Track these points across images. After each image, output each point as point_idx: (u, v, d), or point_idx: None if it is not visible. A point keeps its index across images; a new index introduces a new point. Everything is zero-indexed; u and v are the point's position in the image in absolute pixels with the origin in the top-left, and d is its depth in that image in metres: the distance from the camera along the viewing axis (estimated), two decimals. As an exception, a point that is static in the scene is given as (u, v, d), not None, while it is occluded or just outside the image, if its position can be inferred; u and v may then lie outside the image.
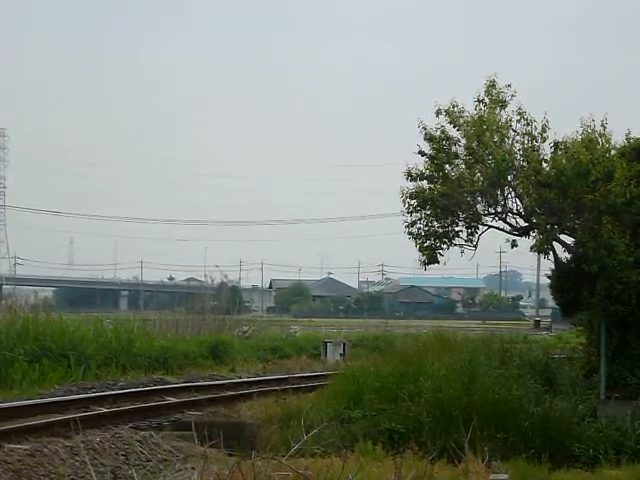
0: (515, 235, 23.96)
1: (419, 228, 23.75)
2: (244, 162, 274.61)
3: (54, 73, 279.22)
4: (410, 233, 23.88)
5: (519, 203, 23.35)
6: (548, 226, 22.78)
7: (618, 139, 24.11)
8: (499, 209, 23.53)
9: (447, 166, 23.55)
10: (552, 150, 23.37)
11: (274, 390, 25.45)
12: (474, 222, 23.85)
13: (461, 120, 23.49)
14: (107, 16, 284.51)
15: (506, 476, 14.96)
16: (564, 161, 22.23)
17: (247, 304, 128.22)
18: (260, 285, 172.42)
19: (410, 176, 23.72)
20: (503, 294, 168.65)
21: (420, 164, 23.84)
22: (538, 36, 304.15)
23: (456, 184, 23.02)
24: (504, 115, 23.56)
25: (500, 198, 23.33)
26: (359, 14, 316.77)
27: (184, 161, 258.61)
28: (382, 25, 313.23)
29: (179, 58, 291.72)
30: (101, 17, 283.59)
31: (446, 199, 23.07)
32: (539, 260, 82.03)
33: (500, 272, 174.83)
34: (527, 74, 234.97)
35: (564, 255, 24.18)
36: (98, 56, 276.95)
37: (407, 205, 23.65)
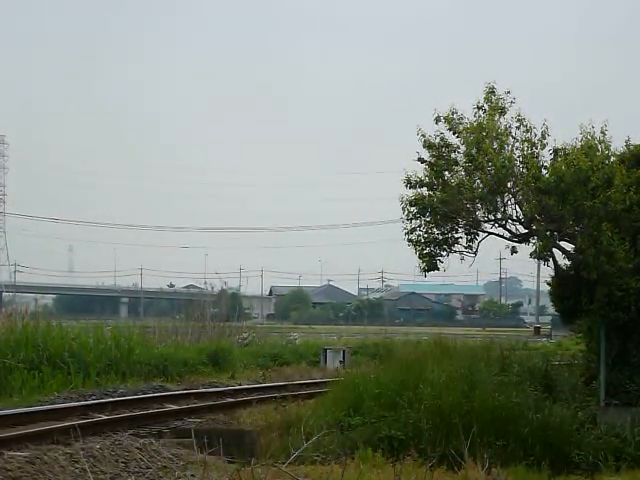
0: (515, 242, 23.98)
1: (419, 235, 23.76)
2: (243, 169, 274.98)
3: (53, 78, 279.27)
4: (410, 240, 23.90)
5: (519, 210, 23.35)
6: (548, 233, 22.79)
7: (618, 146, 24.16)
8: (499, 216, 23.53)
9: (446, 173, 23.57)
10: (552, 157, 23.38)
11: (274, 397, 25.46)
12: (474, 229, 23.86)
13: (460, 127, 23.52)
14: (107, 18, 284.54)
15: (506, 483, 14.99)
16: (564, 168, 22.23)
17: (247, 311, 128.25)
18: (260, 292, 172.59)
19: (409, 183, 23.74)
20: (503, 301, 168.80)
21: (419, 171, 23.88)
22: (537, 38, 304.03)
23: (455, 191, 23.02)
24: (503, 122, 23.58)
25: (500, 205, 23.33)
26: (359, 16, 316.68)
27: (184, 168, 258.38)
28: (381, 27, 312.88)
29: (179, 60, 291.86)
30: (101, 19, 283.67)
31: (446, 206, 23.08)
32: (539, 267, 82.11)
33: (500, 279, 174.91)
34: (527, 77, 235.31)
35: (564, 262, 24.19)
36: (98, 60, 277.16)
37: (407, 212, 23.67)
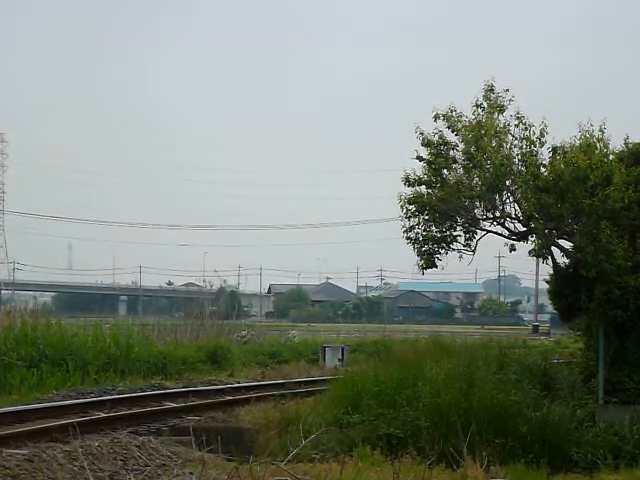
0: (513, 240, 23.93)
1: (417, 233, 23.72)
2: (243, 168, 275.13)
3: (54, 78, 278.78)
4: (408, 238, 23.87)
5: (517, 208, 23.33)
6: (546, 231, 22.76)
7: (616, 144, 24.14)
8: (497, 214, 23.51)
9: (445, 171, 23.55)
10: (550, 155, 23.33)
11: (272, 395, 25.47)
12: (472, 227, 23.84)
13: (459, 125, 23.48)
14: (107, 19, 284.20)
15: (504, 481, 15.00)
16: (562, 166, 22.20)
17: (246, 309, 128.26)
18: (259, 290, 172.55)
19: (408, 181, 23.71)
20: (502, 299, 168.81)
21: (418, 169, 23.86)
22: (537, 37, 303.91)
23: (454, 189, 23.01)
24: (502, 120, 23.54)
25: (498, 203, 23.31)
26: (358, 17, 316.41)
27: (183, 167, 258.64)
28: (381, 28, 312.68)
29: (179, 61, 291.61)
30: (101, 20, 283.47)
31: (444, 204, 23.06)
32: (537, 265, 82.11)
33: (499, 277, 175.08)
34: (526, 76, 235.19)
35: (562, 260, 24.17)
36: (98, 59, 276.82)
37: (405, 210, 23.65)
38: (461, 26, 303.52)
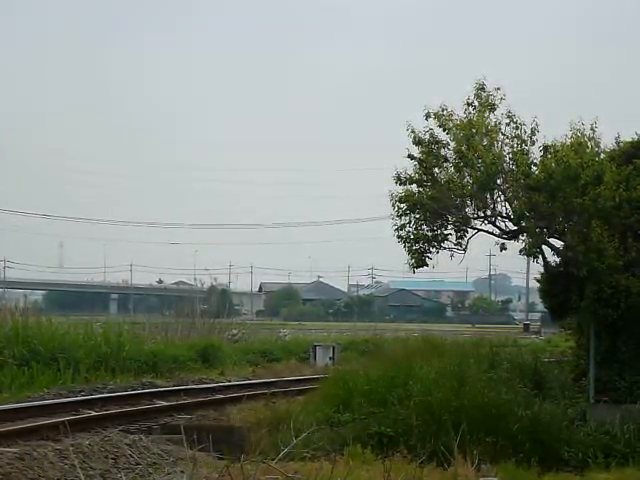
0: (504, 238, 23.94)
1: (408, 231, 23.72)
2: (243, 168, 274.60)
3: (54, 78, 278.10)
4: (399, 236, 23.87)
5: (508, 207, 23.33)
6: (537, 230, 22.77)
7: (608, 143, 24.18)
8: (488, 213, 23.51)
9: (436, 169, 23.54)
10: (541, 154, 23.36)
11: (263, 394, 25.46)
12: (463, 225, 23.83)
13: (450, 123, 23.48)
14: (107, 19, 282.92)
15: None
16: (553, 165, 22.22)
17: (237, 307, 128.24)
18: (250, 289, 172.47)
19: (399, 180, 23.71)
20: (493, 298, 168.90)
21: (409, 168, 23.85)
22: (537, 38, 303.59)
23: (445, 188, 23.01)
24: (493, 118, 23.55)
25: (489, 202, 23.30)
26: (358, 17, 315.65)
27: (183, 167, 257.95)
28: (379, 26, 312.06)
29: (179, 63, 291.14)
30: (101, 20, 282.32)
31: (435, 203, 23.05)
32: (528, 264, 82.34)
33: (490, 276, 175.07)
34: (526, 76, 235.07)
35: (553, 259, 24.20)
36: (98, 62, 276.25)
37: (396, 209, 23.65)
38: (461, 26, 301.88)
